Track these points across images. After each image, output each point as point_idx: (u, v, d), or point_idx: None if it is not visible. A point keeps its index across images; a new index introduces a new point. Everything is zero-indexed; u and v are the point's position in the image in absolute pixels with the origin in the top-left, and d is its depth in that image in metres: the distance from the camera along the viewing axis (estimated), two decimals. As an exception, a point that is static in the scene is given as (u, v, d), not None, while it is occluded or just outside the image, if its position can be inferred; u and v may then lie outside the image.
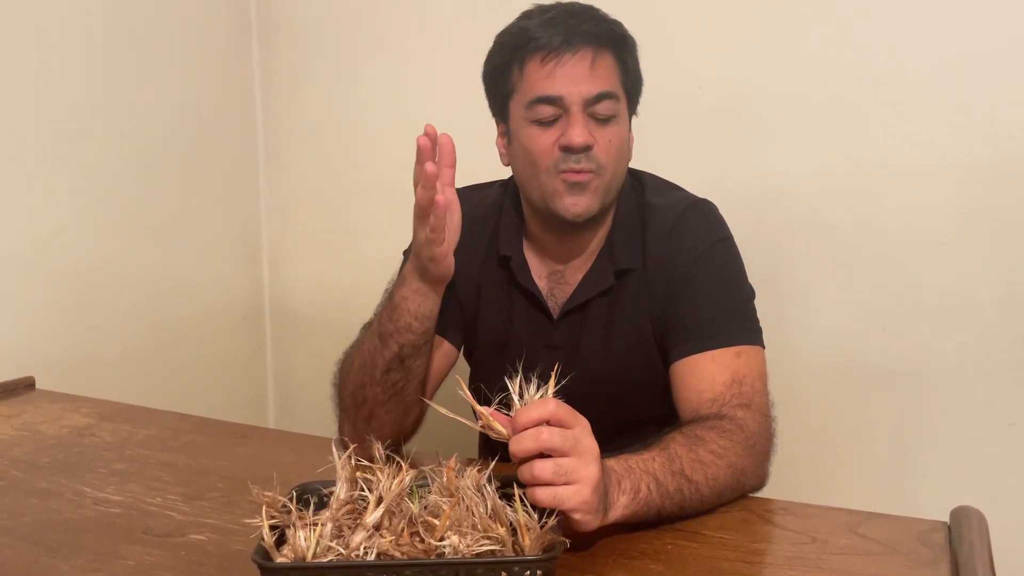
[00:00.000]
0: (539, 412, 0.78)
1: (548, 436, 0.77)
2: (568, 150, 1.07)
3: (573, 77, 1.07)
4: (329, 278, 2.16)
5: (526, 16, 1.12)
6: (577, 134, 1.06)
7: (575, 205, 1.08)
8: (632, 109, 1.16)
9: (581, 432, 0.80)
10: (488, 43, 1.17)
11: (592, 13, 1.11)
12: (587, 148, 1.07)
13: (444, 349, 1.20)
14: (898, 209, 1.55)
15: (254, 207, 2.20)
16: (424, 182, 0.94)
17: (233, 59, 2.12)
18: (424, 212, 0.95)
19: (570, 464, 0.78)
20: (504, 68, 1.12)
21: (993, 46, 1.45)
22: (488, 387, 1.10)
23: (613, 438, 1.05)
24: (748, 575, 0.82)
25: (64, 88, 1.70)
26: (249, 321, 2.21)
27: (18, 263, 1.63)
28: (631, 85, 1.14)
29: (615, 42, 1.11)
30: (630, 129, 1.16)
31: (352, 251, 2.11)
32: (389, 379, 1.07)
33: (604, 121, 1.08)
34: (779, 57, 1.60)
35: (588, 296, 1.16)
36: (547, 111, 1.08)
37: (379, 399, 1.08)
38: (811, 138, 1.59)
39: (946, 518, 0.89)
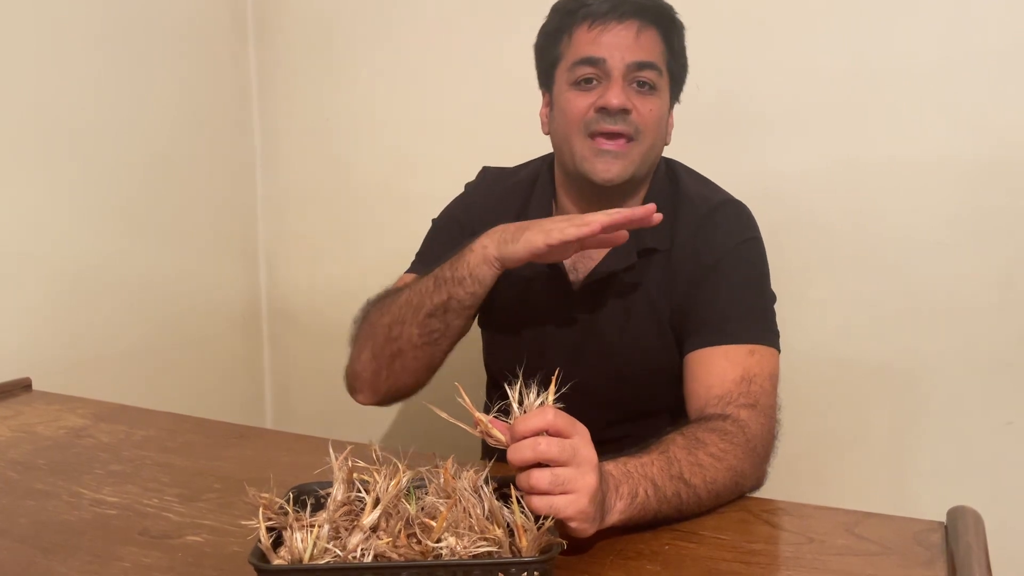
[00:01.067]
0: (537, 422, 0.78)
1: (546, 447, 0.77)
2: (604, 111, 1.08)
3: (617, 43, 1.10)
4: (326, 278, 2.16)
5: None
6: (614, 95, 1.08)
7: (607, 171, 1.10)
8: (675, 93, 1.18)
9: (579, 442, 0.79)
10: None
11: None
12: (624, 111, 1.08)
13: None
14: (895, 208, 1.55)
15: (251, 207, 2.20)
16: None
17: (229, 58, 2.11)
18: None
19: (567, 474, 0.77)
20: (555, 35, 1.16)
21: (991, 45, 1.45)
22: (502, 358, 1.10)
23: (621, 424, 1.05)
24: (745, 575, 0.82)
25: (61, 88, 1.70)
26: (246, 321, 2.21)
27: (14, 264, 1.63)
28: (676, 68, 1.16)
29: (663, 19, 1.14)
30: (671, 112, 1.18)
31: (349, 251, 2.11)
32: (429, 324, 1.08)
33: (645, 91, 1.11)
34: (777, 56, 1.60)
35: (610, 270, 1.16)
36: (588, 71, 1.10)
37: (414, 341, 1.10)
38: (809, 137, 1.59)
39: (943, 518, 0.89)
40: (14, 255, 1.63)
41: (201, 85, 2.03)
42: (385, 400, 1.17)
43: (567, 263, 1.19)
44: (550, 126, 1.19)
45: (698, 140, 1.66)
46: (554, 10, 1.18)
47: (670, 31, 1.15)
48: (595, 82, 1.11)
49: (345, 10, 2.03)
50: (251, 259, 2.22)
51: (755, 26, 1.61)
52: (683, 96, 1.64)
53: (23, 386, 1.51)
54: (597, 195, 1.14)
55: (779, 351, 1.12)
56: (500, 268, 1.07)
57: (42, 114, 1.67)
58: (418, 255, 1.28)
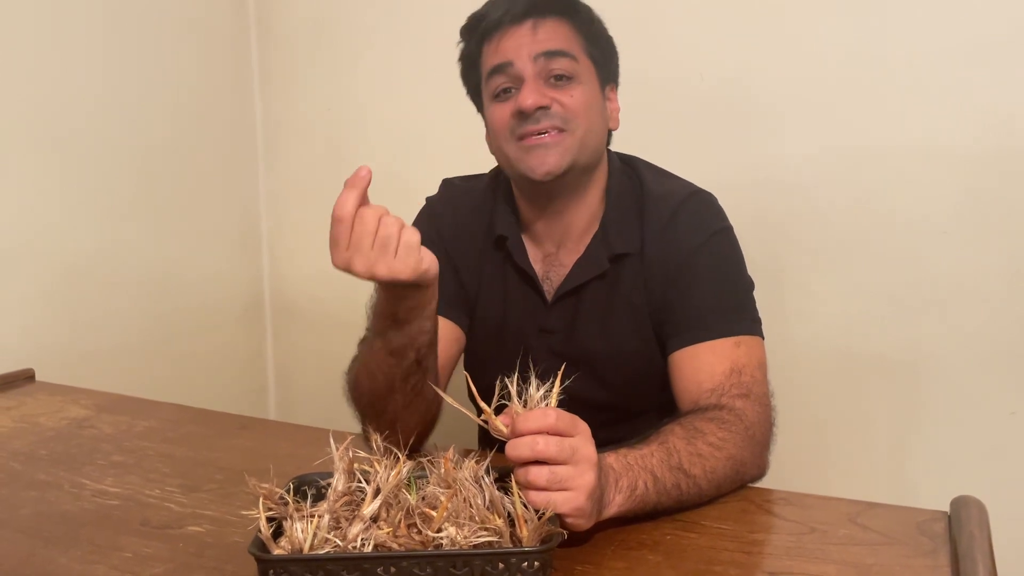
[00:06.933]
0: (538, 423, 0.78)
1: (544, 446, 0.77)
2: (521, 115, 1.08)
3: (517, 43, 1.10)
4: (329, 270, 2.12)
5: (482, 7, 1.16)
6: (525, 96, 1.07)
7: (542, 164, 1.08)
8: (605, 76, 1.16)
9: (580, 441, 0.79)
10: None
11: None
12: (542, 108, 1.07)
13: (455, 334, 1.20)
14: (899, 197, 1.54)
15: (253, 199, 2.20)
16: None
17: (231, 51, 2.11)
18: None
19: (565, 472, 0.77)
20: (470, 59, 1.17)
21: (996, 31, 1.44)
22: (483, 369, 1.07)
23: (612, 426, 1.05)
24: (747, 565, 0.82)
25: (64, 80, 1.70)
26: (249, 313, 2.21)
27: (18, 255, 1.63)
28: (597, 51, 1.14)
29: (562, 9, 1.12)
30: (607, 99, 1.17)
31: (352, 242, 2.10)
32: (409, 384, 1.02)
33: (563, 83, 1.10)
34: (779, 44, 1.59)
35: (582, 280, 1.16)
36: (501, 80, 1.10)
37: (400, 404, 1.04)
38: (812, 126, 1.58)
39: (946, 508, 0.89)
40: (18, 246, 1.63)
41: (203, 77, 2.02)
42: (415, 444, 1.04)
43: (539, 274, 1.19)
44: (491, 145, 1.18)
45: (702, 130, 1.66)
46: (461, 35, 1.18)
47: (574, 17, 1.13)
48: (513, 90, 1.10)
49: (345, 4, 2.03)
50: (254, 250, 2.22)
51: (757, 14, 1.60)
52: (686, 85, 1.65)
53: (26, 377, 1.52)
54: (544, 194, 1.13)
55: (763, 338, 1.11)
56: (415, 285, 0.94)
57: (46, 107, 1.67)
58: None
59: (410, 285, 0.93)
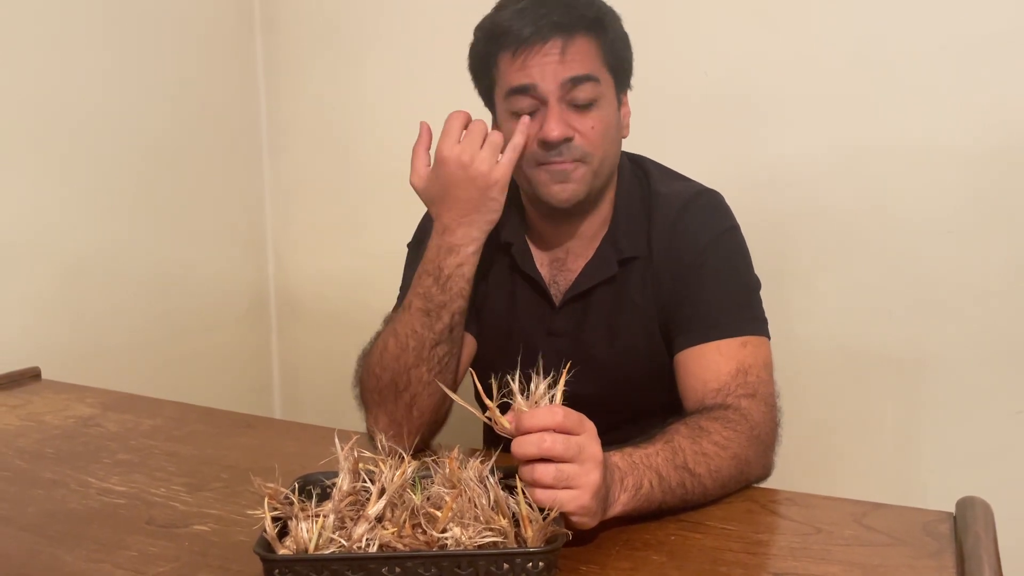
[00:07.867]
0: (544, 420, 0.78)
1: (551, 444, 0.77)
2: (546, 145, 1.06)
3: (544, 66, 1.06)
4: (334, 268, 2.16)
5: (500, 7, 1.11)
6: (552, 128, 1.05)
7: (561, 191, 1.08)
8: (621, 86, 1.14)
9: (586, 439, 0.79)
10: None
11: (564, 0, 1.08)
12: (566, 140, 1.06)
13: (465, 339, 1.19)
14: (905, 196, 1.53)
15: (258, 197, 2.20)
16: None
17: (236, 47, 2.11)
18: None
19: (571, 471, 0.78)
20: (483, 60, 1.13)
21: (1001, 30, 1.44)
22: (490, 372, 1.09)
23: (618, 428, 1.05)
24: (752, 566, 0.82)
25: (67, 78, 1.70)
26: (254, 311, 2.21)
27: (23, 253, 1.63)
28: (616, 61, 1.12)
29: (589, 25, 1.09)
30: (621, 105, 1.15)
31: (357, 241, 2.11)
32: (436, 354, 1.07)
33: (584, 108, 1.07)
34: (785, 42, 1.59)
35: (590, 284, 1.15)
36: (524, 102, 1.07)
37: (424, 380, 1.07)
38: (817, 124, 1.58)
39: (952, 508, 0.89)
40: (24, 245, 1.63)
41: (208, 76, 2.02)
42: (421, 444, 1.10)
43: (546, 279, 1.18)
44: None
45: (707, 128, 1.66)
46: (478, 32, 1.13)
47: (599, 32, 1.09)
48: (534, 111, 1.07)
49: (351, 1, 2.03)
50: (259, 249, 2.22)
51: (763, 12, 1.60)
52: (691, 83, 1.65)
53: (32, 375, 1.52)
54: (561, 214, 1.13)
55: (769, 338, 1.11)
56: (478, 247, 1.07)
57: (51, 105, 1.67)
58: (403, 288, 1.22)
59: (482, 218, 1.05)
